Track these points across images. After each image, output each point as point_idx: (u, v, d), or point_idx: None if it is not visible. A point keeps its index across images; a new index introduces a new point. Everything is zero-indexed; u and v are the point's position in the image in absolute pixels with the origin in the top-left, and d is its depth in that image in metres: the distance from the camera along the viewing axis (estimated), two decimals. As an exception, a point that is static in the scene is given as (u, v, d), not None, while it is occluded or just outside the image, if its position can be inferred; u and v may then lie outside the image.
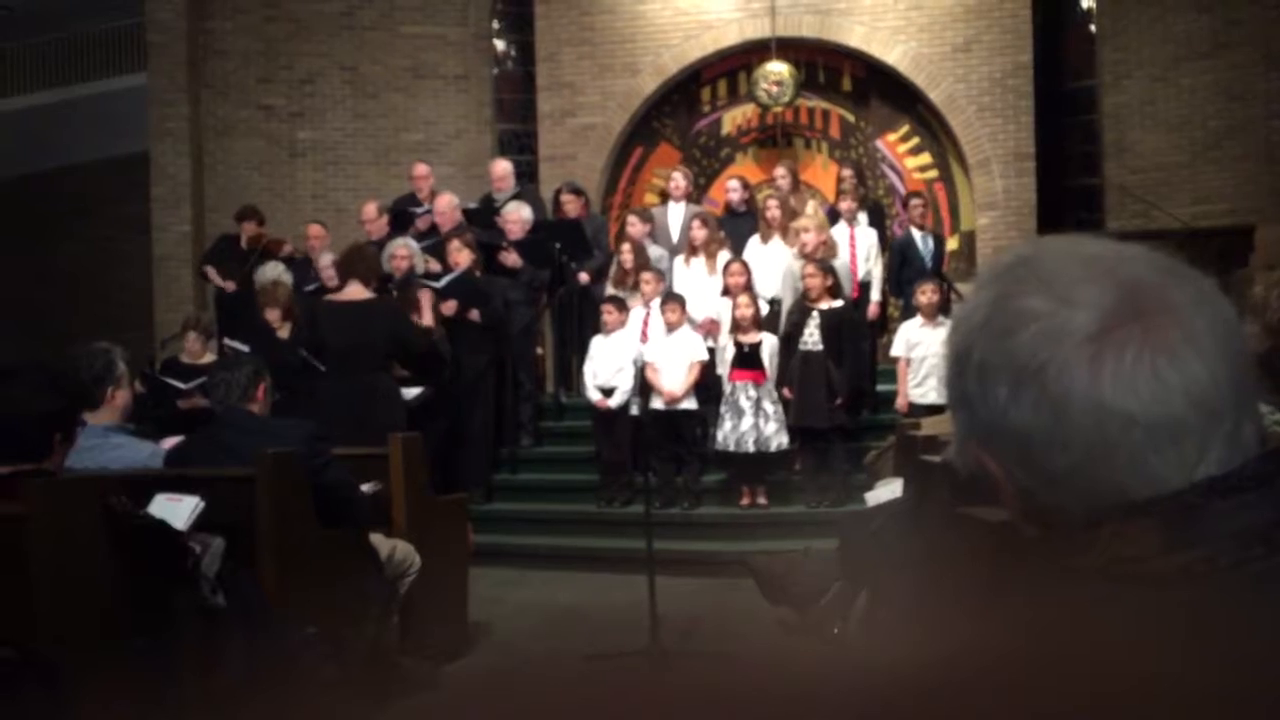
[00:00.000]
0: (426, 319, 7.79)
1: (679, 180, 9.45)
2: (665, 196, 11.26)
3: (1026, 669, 0.70)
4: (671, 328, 7.90)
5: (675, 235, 9.06)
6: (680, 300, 8.02)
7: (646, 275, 8.27)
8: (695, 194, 11.07)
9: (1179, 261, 0.83)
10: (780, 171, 9.61)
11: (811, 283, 7.71)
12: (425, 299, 7.88)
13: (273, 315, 7.91)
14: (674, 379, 7.79)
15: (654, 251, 8.78)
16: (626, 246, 8.67)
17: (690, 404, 7.86)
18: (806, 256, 8.04)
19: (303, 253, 9.65)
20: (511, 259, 8.63)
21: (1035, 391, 0.80)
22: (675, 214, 9.22)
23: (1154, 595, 0.75)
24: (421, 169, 9.67)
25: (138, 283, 12.59)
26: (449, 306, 8.09)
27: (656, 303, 8.08)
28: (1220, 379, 0.79)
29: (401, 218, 9.25)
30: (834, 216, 8.97)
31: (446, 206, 9.01)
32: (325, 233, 9.56)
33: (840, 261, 8.27)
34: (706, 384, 8.01)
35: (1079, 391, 0.79)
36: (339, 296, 7.05)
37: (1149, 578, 0.76)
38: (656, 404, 7.80)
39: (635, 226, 8.96)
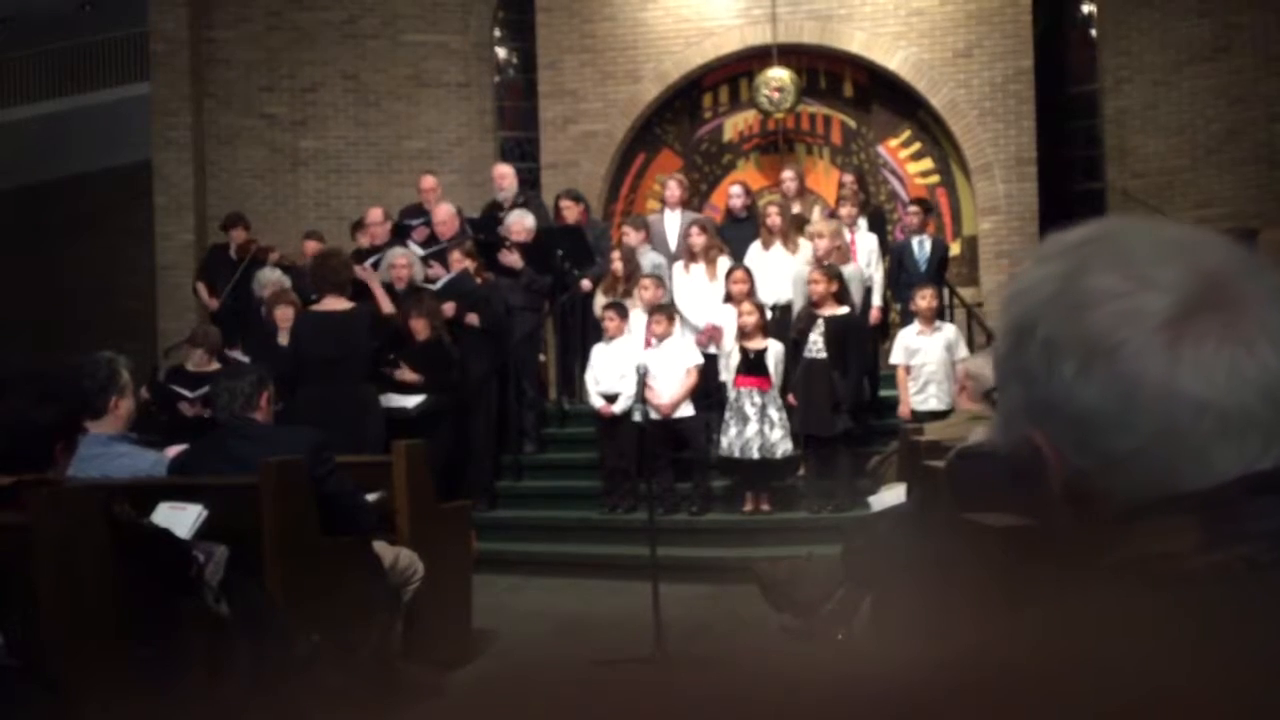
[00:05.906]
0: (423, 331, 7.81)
1: (673, 188, 9.45)
2: (664, 204, 11.28)
3: (1050, 667, 0.69)
4: (660, 339, 7.88)
5: (673, 243, 9.05)
6: (666, 311, 7.98)
7: (645, 281, 8.25)
8: (697, 200, 11.07)
9: (1253, 255, 0.83)
10: (788, 174, 9.62)
11: (816, 288, 7.65)
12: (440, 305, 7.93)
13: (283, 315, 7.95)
14: (667, 389, 7.76)
15: (651, 259, 8.77)
16: (617, 254, 8.66)
17: (686, 410, 7.84)
18: (818, 261, 8.01)
19: (291, 260, 9.65)
20: (512, 258, 8.64)
21: (1106, 371, 0.79)
22: (672, 221, 9.22)
23: (1186, 593, 0.74)
24: (429, 181, 9.66)
25: (141, 291, 12.61)
26: (448, 308, 8.09)
27: (656, 309, 8.07)
28: None
29: (402, 231, 9.26)
30: (834, 222, 8.98)
31: (446, 215, 9.01)
32: (321, 245, 9.51)
33: (853, 268, 8.26)
34: (707, 389, 8.00)
35: (1154, 375, 0.78)
36: (320, 308, 7.13)
37: (1182, 575, 0.75)
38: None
39: (629, 235, 8.97)
